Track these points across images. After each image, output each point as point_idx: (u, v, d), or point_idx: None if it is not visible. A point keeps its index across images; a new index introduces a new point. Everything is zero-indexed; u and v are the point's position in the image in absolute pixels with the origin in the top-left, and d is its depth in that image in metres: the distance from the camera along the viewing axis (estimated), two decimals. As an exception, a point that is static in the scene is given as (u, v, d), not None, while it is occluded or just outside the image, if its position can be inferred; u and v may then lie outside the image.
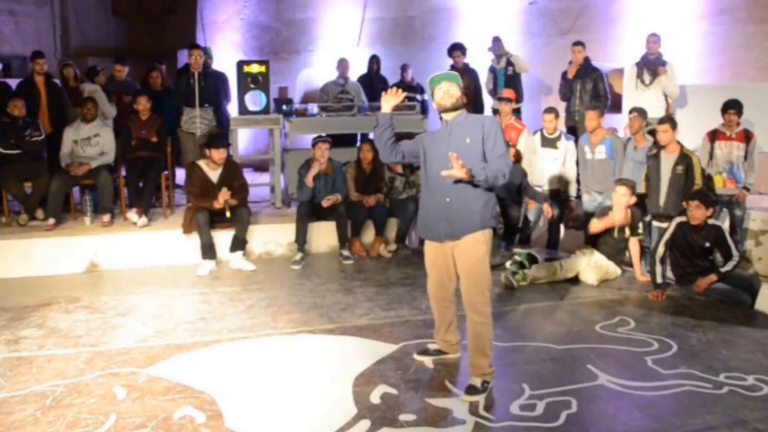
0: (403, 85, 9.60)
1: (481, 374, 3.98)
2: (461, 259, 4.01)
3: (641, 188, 6.52)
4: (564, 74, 8.46)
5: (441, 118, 4.07)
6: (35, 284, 6.24)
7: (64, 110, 8.01)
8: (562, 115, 8.25)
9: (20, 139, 7.27)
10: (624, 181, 6.28)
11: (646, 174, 6.53)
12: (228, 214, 6.65)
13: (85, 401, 3.84)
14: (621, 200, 6.20)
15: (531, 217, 7.28)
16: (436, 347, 4.46)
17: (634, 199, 6.30)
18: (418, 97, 8.72)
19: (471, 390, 3.91)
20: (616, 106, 8.59)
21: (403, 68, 9.72)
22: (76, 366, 4.34)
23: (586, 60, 8.27)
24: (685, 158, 6.30)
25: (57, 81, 8.22)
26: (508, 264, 6.51)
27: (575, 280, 6.24)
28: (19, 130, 7.29)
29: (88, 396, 3.91)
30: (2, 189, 7.25)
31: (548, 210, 6.94)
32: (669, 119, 6.50)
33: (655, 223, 6.47)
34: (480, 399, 3.85)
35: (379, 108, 8.08)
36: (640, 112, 6.88)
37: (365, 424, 3.56)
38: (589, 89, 8.20)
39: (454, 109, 3.95)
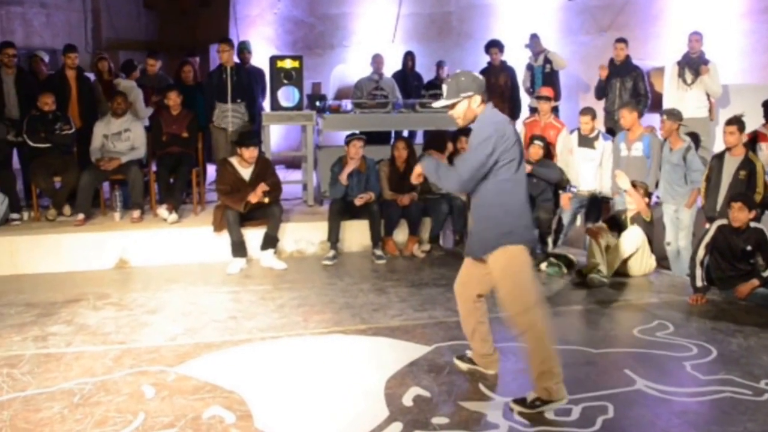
0: (438, 82, 9.59)
1: (536, 389, 3.78)
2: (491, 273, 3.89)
3: (702, 189, 6.49)
4: (600, 79, 8.35)
5: None
6: (64, 280, 6.34)
7: (95, 105, 8.14)
8: (601, 114, 8.16)
9: (50, 133, 7.40)
10: (636, 183, 6.36)
11: (707, 175, 6.44)
12: (266, 199, 6.64)
13: (113, 399, 3.88)
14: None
15: (565, 218, 7.22)
16: (470, 356, 4.31)
17: (646, 200, 6.34)
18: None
19: (518, 401, 3.80)
20: (656, 106, 8.48)
21: (439, 65, 9.71)
22: (105, 363, 4.39)
23: (627, 58, 8.16)
24: (749, 163, 6.19)
25: (90, 75, 8.34)
26: (543, 266, 6.48)
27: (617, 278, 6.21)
28: (49, 123, 7.42)
29: (117, 394, 3.95)
30: (31, 183, 7.38)
31: (566, 203, 6.98)
32: (737, 120, 6.30)
33: (707, 226, 6.37)
34: (521, 411, 3.72)
35: (413, 106, 8.20)
36: (671, 114, 6.76)
37: (397, 426, 3.55)
38: (629, 88, 8.10)
39: (469, 122, 3.82)
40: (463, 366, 4.28)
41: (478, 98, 3.73)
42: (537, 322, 3.79)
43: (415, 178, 4.01)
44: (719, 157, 6.40)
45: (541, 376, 3.75)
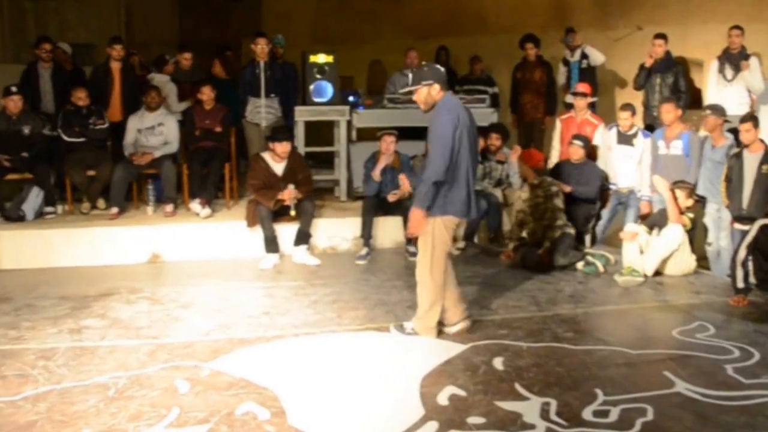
0: (472, 77, 9.56)
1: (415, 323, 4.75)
2: None
3: (722, 189, 6.35)
4: (642, 65, 8.23)
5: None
6: (97, 273, 6.42)
7: (138, 98, 8.21)
8: (640, 110, 8.05)
9: (84, 128, 7.51)
10: (679, 184, 6.21)
11: (726, 175, 6.34)
12: (293, 212, 6.72)
13: (147, 394, 3.91)
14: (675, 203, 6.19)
15: (604, 216, 7.14)
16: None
17: (690, 202, 6.18)
18: (488, 90, 8.63)
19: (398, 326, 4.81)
20: (695, 102, 8.35)
21: (473, 60, 9.65)
22: (138, 358, 4.43)
23: (667, 54, 8.02)
24: None
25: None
26: (580, 266, 6.42)
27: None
28: (83, 118, 7.53)
29: (150, 389, 3.98)
30: (66, 177, 7.49)
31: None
32: (751, 117, 6.29)
33: (737, 226, 6.26)
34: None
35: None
36: (715, 110, 6.64)
37: (433, 425, 3.54)
38: (669, 84, 7.96)
39: (430, 108, 4.55)
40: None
41: (437, 86, 4.47)
42: (437, 278, 4.62)
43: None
44: (737, 156, 6.29)
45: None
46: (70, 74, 8.36)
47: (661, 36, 8.01)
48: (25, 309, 5.40)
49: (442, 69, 4.57)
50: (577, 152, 7.02)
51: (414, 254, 6.79)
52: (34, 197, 7.10)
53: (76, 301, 5.60)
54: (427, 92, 4.48)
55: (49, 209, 7.23)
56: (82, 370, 4.24)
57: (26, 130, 7.22)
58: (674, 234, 6.18)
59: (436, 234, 4.57)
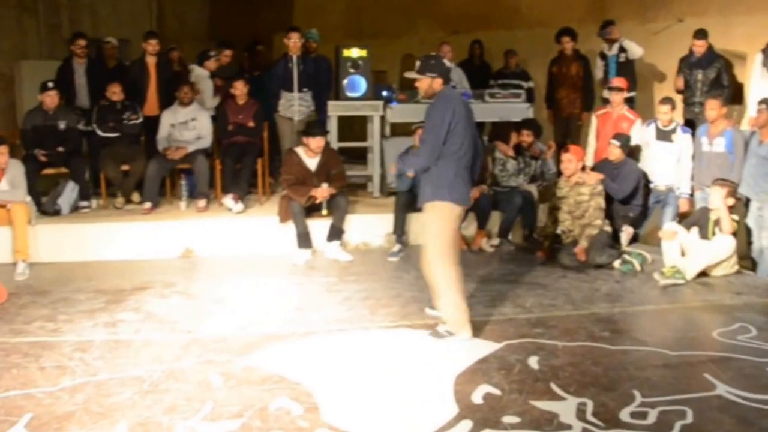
0: (507, 72, 9.51)
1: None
2: None
3: None
4: (683, 59, 8.12)
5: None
6: (131, 268, 6.52)
7: (174, 93, 8.30)
8: (680, 106, 7.95)
9: (118, 122, 7.62)
10: (721, 182, 6.12)
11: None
12: (325, 212, 6.77)
13: (181, 387, 3.98)
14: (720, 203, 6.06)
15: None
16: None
17: (732, 201, 6.10)
18: (524, 84, 8.59)
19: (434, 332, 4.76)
20: (736, 97, 8.22)
21: (508, 54, 9.60)
22: (172, 351, 4.51)
23: (709, 48, 7.89)
24: None
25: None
26: (617, 264, 6.38)
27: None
28: (118, 113, 7.65)
29: (185, 382, 4.05)
30: (100, 171, 7.62)
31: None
32: (765, 101, 6.20)
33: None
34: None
35: (481, 96, 8.14)
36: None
37: (467, 424, 3.55)
38: (711, 78, 7.85)
39: (429, 97, 4.78)
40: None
41: (440, 80, 4.67)
42: (449, 270, 4.67)
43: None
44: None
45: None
46: (111, 70, 8.48)
47: (702, 36, 7.85)
48: (61, 302, 5.52)
49: (448, 64, 4.86)
50: (613, 152, 6.92)
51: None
52: (70, 192, 7.23)
53: (111, 294, 5.70)
54: (430, 84, 4.67)
55: (83, 203, 7.37)
56: (117, 362, 4.33)
57: (62, 125, 7.35)
58: (726, 245, 6.06)
59: (445, 217, 4.66)
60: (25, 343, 4.66)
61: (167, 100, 7.96)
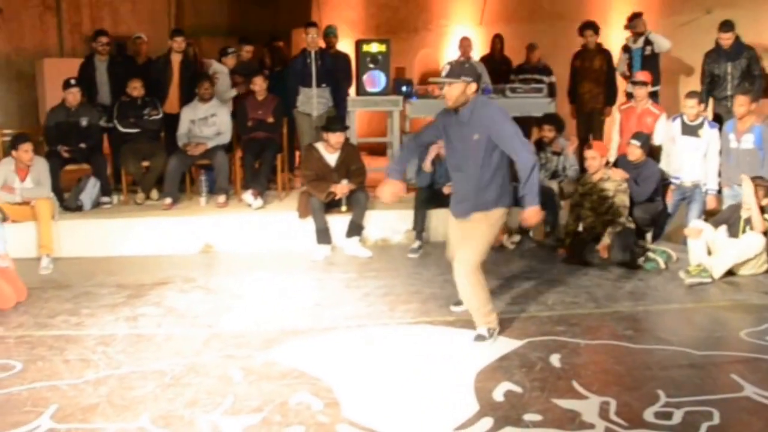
0: (528, 66, 9.48)
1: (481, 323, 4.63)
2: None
3: None
4: (708, 54, 8.01)
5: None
6: (152, 263, 6.60)
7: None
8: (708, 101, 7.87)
9: (139, 118, 7.70)
10: (756, 181, 6.05)
11: None
12: (344, 208, 6.81)
13: (202, 381, 4.02)
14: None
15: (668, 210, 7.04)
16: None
17: (767, 201, 6.02)
18: (545, 79, 8.56)
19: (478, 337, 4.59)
20: (766, 91, 8.11)
21: (529, 48, 9.56)
22: (193, 346, 4.55)
23: (737, 39, 7.78)
24: None
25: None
26: (641, 261, 6.34)
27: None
28: (138, 109, 7.73)
29: (206, 376, 4.09)
30: (121, 167, 7.70)
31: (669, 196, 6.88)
32: None
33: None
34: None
35: (503, 91, 8.12)
36: None
37: (488, 421, 3.54)
38: (741, 69, 7.71)
39: (458, 106, 4.44)
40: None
41: (474, 86, 4.39)
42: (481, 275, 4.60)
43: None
44: None
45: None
46: (141, 66, 8.57)
47: (728, 28, 7.73)
48: (84, 296, 5.61)
49: (482, 68, 4.67)
50: (634, 153, 6.84)
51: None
52: (91, 187, 7.32)
53: (133, 289, 5.77)
54: (463, 89, 4.36)
55: (105, 199, 7.47)
56: (139, 356, 4.39)
57: (84, 122, 7.45)
58: (756, 242, 5.98)
59: (497, 227, 4.66)
60: (50, 336, 4.75)
61: (189, 97, 8.01)
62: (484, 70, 8.99)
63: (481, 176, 4.46)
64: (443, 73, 4.41)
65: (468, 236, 4.56)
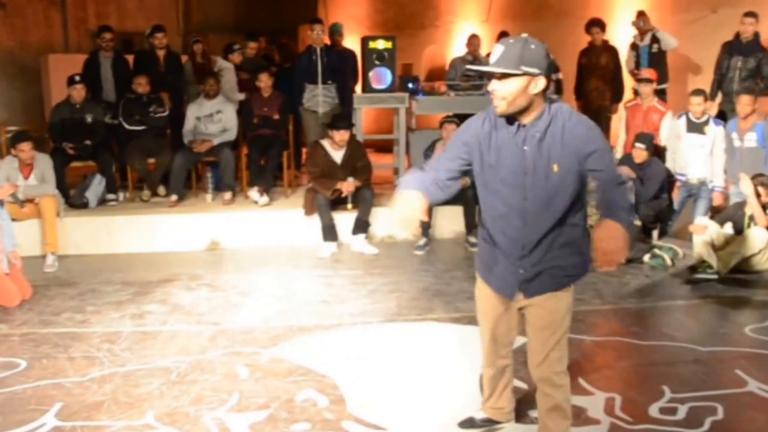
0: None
1: None
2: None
3: None
4: (724, 45, 7.96)
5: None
6: (157, 259, 6.64)
7: (182, 86, 8.41)
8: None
9: (144, 116, 7.73)
10: (760, 179, 6.03)
11: None
12: (350, 206, 6.85)
13: (208, 378, 4.05)
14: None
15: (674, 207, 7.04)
16: (484, 416, 3.55)
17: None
18: (552, 76, 8.52)
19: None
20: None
21: (536, 45, 9.55)
22: (199, 343, 4.58)
23: (755, 35, 7.69)
24: None
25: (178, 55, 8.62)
26: (646, 258, 6.35)
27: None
28: (144, 106, 7.75)
29: (212, 373, 4.11)
30: (127, 164, 7.73)
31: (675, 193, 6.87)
32: None
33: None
34: None
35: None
36: None
37: (493, 418, 3.57)
38: (750, 68, 7.70)
39: (514, 111, 2.77)
40: None
41: (543, 82, 2.72)
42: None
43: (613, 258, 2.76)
44: None
45: None
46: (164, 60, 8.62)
47: (752, 14, 7.66)
48: (89, 294, 5.64)
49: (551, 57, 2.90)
50: (639, 155, 6.84)
51: (474, 245, 6.85)
52: (97, 185, 7.37)
53: (138, 286, 5.80)
54: (526, 85, 2.70)
55: (111, 196, 7.51)
56: (145, 353, 4.42)
57: (89, 119, 7.47)
58: (760, 237, 5.98)
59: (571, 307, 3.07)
60: (55, 333, 4.78)
61: (175, 93, 8.17)
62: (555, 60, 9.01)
63: (560, 231, 2.93)
64: (493, 58, 2.75)
65: (545, 325, 3.01)
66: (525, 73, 2.69)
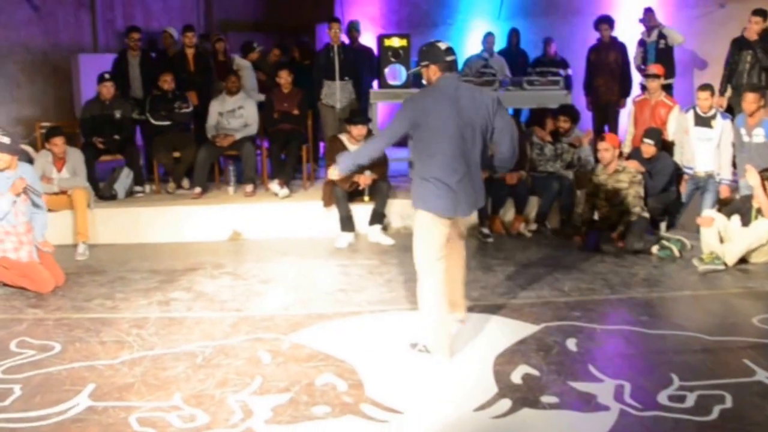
0: (545, 59, 9.42)
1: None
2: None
3: None
4: (734, 41, 7.84)
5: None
6: (182, 249, 6.66)
7: (211, 84, 8.42)
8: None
9: (170, 111, 7.75)
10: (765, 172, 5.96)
11: None
12: (367, 198, 6.82)
13: (232, 363, 4.06)
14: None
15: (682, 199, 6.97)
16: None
17: None
18: (561, 72, 8.48)
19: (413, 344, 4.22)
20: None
21: (546, 42, 9.50)
22: (223, 329, 4.59)
23: (765, 32, 7.56)
24: None
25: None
26: (654, 249, 6.29)
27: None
28: (169, 102, 7.78)
29: (235, 358, 4.12)
30: (153, 158, 7.76)
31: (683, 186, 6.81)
32: None
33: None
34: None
35: (520, 83, 8.07)
36: None
37: (506, 403, 3.55)
38: (759, 62, 7.57)
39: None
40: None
41: (434, 68, 4.04)
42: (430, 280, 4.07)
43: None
44: None
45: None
46: (170, 60, 8.63)
47: (760, 12, 7.49)
48: (118, 281, 5.67)
49: (443, 47, 4.08)
50: (648, 150, 6.77)
51: (487, 236, 6.83)
52: (125, 177, 7.41)
53: (164, 274, 5.82)
54: (425, 73, 4.11)
55: (138, 189, 7.55)
56: (171, 338, 4.43)
57: (117, 115, 7.50)
58: (766, 229, 5.94)
59: (423, 226, 4.07)
60: (87, 319, 4.81)
61: (204, 90, 8.11)
62: (504, 63, 8.99)
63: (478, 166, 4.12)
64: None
65: (460, 234, 4.38)
66: (421, 67, 4.14)
